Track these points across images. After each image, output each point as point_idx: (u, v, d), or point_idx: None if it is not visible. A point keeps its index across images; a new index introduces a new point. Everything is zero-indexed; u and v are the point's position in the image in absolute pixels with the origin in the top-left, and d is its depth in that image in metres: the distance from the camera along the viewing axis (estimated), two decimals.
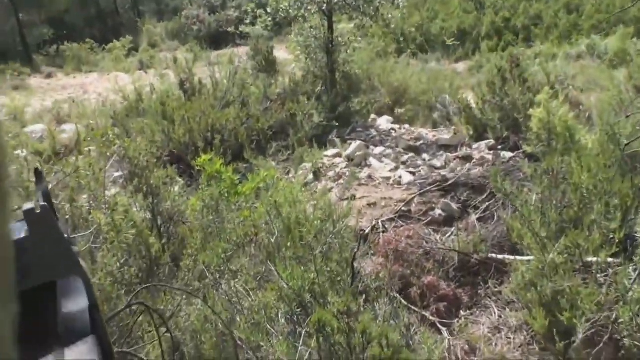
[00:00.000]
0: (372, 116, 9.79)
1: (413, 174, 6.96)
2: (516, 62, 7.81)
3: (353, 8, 9.28)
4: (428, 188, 6.30)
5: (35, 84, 21.71)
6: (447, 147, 8.01)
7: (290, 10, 9.26)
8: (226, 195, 5.84)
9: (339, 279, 3.78)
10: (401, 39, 17.87)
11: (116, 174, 6.90)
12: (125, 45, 26.71)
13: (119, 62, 25.00)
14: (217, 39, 30.07)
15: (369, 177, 6.89)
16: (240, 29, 13.17)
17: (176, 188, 5.79)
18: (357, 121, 9.39)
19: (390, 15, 9.49)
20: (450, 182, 6.34)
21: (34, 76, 23.53)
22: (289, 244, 4.18)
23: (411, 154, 7.76)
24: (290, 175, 7.31)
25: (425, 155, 7.73)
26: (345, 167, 7.24)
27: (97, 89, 18.85)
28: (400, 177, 6.80)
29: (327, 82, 9.59)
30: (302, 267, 3.63)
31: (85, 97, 17.26)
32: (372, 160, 7.39)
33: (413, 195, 6.19)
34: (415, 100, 10.73)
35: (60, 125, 12.34)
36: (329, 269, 3.73)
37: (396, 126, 9.24)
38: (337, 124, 8.86)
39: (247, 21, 10.57)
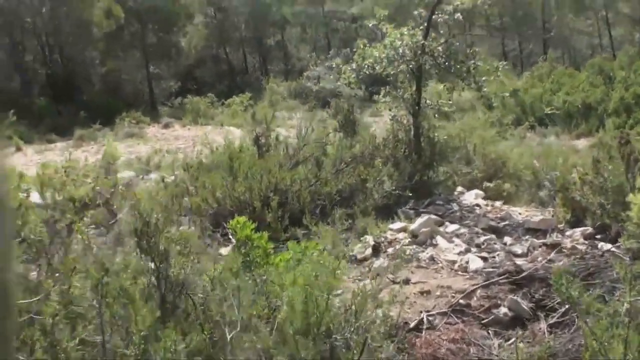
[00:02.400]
0: (459, 189, 8.78)
1: (485, 259, 5.89)
2: (626, 138, 6.61)
3: (444, 69, 8.47)
4: (496, 279, 5.23)
5: (151, 133, 22.41)
6: (535, 232, 6.84)
7: (377, 67, 8.57)
8: (255, 264, 5.16)
9: None
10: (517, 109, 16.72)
11: None
12: (243, 100, 27.30)
13: (235, 117, 25.42)
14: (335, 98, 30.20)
15: (431, 258, 5.92)
16: (320, 85, 12.73)
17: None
18: (439, 193, 8.44)
19: (483, 79, 8.57)
20: (524, 274, 5.24)
21: (153, 125, 24.38)
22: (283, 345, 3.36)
23: (490, 236, 6.66)
24: (348, 247, 6.49)
25: (507, 239, 6.61)
26: (407, 244, 6.30)
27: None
28: (467, 262, 5.76)
29: (410, 148, 8.72)
30: None
31: (194, 149, 17.40)
32: (439, 239, 6.39)
33: (475, 286, 5.15)
34: (514, 175, 9.60)
35: (148, 174, 12.38)
36: None
37: (483, 202, 8.16)
38: (411, 194, 7.92)
39: (330, 76, 10.01)
